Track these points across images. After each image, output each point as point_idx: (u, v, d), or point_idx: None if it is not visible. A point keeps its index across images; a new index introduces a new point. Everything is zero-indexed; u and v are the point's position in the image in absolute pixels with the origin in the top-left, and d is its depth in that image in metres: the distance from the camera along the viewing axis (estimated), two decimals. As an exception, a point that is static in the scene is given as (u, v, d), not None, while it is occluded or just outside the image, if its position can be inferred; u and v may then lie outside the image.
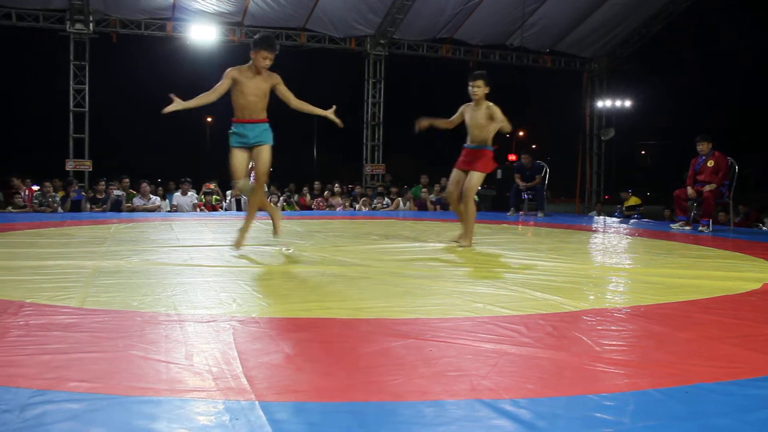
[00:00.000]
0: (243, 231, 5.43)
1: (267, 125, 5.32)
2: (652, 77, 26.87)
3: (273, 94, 5.31)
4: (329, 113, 5.60)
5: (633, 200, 15.09)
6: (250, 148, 5.26)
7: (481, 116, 5.96)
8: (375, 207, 13.78)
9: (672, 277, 4.25)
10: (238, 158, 5.28)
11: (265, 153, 5.28)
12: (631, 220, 11.17)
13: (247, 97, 5.17)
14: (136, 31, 14.66)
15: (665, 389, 1.95)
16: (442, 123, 6.24)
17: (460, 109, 6.17)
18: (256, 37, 5.29)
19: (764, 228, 11.57)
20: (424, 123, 6.19)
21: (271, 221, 5.68)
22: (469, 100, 6.08)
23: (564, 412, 1.77)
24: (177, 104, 4.97)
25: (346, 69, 20.88)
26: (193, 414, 1.72)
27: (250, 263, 4.62)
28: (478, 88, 5.95)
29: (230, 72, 5.16)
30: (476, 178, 5.97)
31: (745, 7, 25.49)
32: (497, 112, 5.83)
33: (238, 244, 5.35)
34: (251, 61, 5.16)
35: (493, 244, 6.27)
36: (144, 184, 12.34)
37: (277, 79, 5.29)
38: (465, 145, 6.14)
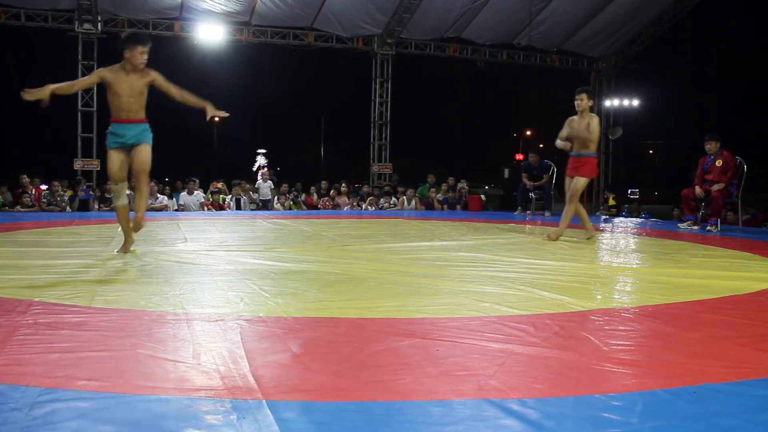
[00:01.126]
0: (127, 234, 5.25)
1: (147, 125, 5.14)
2: (660, 76, 26.79)
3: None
4: (209, 107, 5.27)
5: (611, 201, 15.82)
6: (128, 149, 5.06)
7: (584, 127, 6.56)
8: (382, 207, 13.78)
9: (680, 277, 4.24)
10: (115, 160, 5.05)
11: (144, 150, 5.07)
12: (615, 219, 11.27)
13: (122, 98, 4.99)
14: (144, 31, 14.68)
15: (673, 389, 1.95)
16: (564, 143, 6.73)
17: (566, 122, 6.76)
18: (124, 35, 5.20)
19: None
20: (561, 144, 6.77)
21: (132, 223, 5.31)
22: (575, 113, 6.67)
23: (571, 412, 1.77)
24: (36, 93, 4.70)
25: (354, 68, 20.91)
26: (201, 413, 1.72)
27: (258, 263, 4.63)
28: (581, 101, 6.56)
29: (100, 71, 5.01)
30: (580, 183, 6.65)
31: (752, 6, 25.39)
32: (594, 125, 6.51)
33: (125, 249, 5.16)
34: (124, 61, 5.00)
35: (500, 243, 6.26)
36: (151, 184, 12.37)
37: (153, 74, 5.09)
38: (571, 153, 6.75)
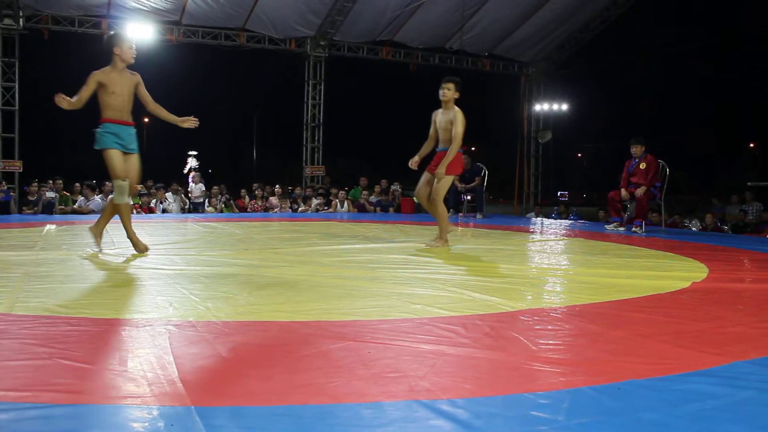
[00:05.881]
0: (99, 233, 5.38)
1: (135, 130, 5.23)
2: (588, 81, 27.52)
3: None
4: (179, 121, 5.40)
5: None
6: (124, 153, 5.13)
7: (448, 120, 6.09)
8: (315, 209, 13.71)
9: (606, 277, 4.34)
10: (119, 158, 5.10)
11: (137, 164, 5.23)
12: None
13: (123, 97, 5.06)
14: (69, 28, 14.27)
15: (599, 386, 1.99)
16: (426, 149, 6.37)
17: (432, 117, 6.34)
18: (112, 33, 5.25)
19: (693, 229, 11.96)
20: (415, 161, 6.33)
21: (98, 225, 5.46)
22: (439, 106, 6.23)
23: (501, 411, 1.79)
24: (69, 102, 4.92)
25: (287, 69, 20.79)
26: (127, 421, 1.68)
27: (187, 266, 4.54)
28: (448, 91, 6.09)
29: (96, 75, 5.01)
30: (443, 183, 6.09)
31: (676, 13, 26.36)
32: (458, 123, 5.99)
33: (98, 245, 5.32)
34: (112, 62, 5.07)
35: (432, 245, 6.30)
36: (86, 186, 12.12)
37: (138, 78, 5.19)
38: (436, 148, 6.30)
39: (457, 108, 6.08)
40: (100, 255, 5.10)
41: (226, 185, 14.75)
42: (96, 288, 3.61)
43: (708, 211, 13.51)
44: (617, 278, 4.29)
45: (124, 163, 5.13)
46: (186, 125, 5.42)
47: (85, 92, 4.98)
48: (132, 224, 5.31)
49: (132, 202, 12.17)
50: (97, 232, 5.35)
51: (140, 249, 5.24)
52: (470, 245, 6.40)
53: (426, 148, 6.38)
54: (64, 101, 4.87)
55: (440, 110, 6.26)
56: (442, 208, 6.18)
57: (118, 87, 5.03)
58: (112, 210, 5.30)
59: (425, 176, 6.32)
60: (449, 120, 6.08)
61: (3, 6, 13.42)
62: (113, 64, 5.08)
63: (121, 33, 5.29)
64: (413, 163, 6.32)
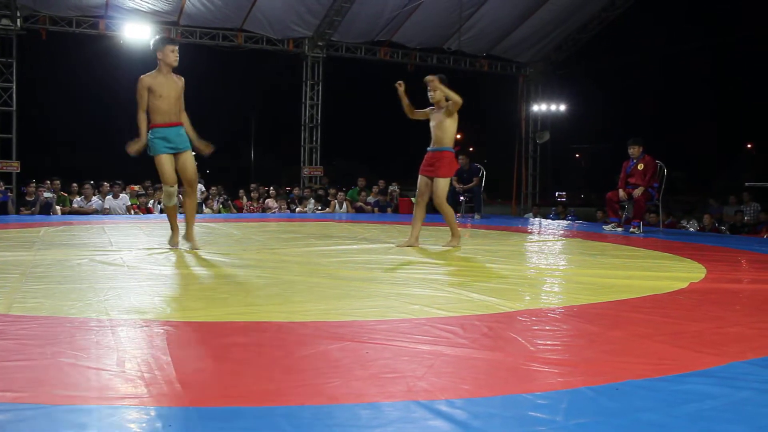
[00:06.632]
0: (176, 228, 5.60)
1: (183, 129, 5.35)
2: (586, 82, 27.55)
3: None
4: (196, 139, 5.52)
5: None
6: (175, 153, 5.28)
7: (441, 117, 6.06)
8: (312, 210, 13.69)
9: (604, 278, 4.35)
10: (169, 164, 5.26)
11: (191, 160, 5.37)
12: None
13: (170, 100, 5.17)
14: (67, 29, 14.22)
15: (597, 387, 1.99)
16: (406, 102, 6.23)
17: (427, 109, 6.26)
18: (156, 38, 5.35)
19: (691, 229, 11.97)
20: (402, 89, 6.20)
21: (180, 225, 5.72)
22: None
23: (499, 412, 1.79)
24: (138, 143, 5.18)
25: (285, 70, 20.78)
26: (125, 422, 1.68)
27: (186, 267, 4.54)
28: (433, 92, 6.06)
29: (144, 81, 5.14)
30: (441, 186, 6.13)
31: (674, 14, 26.39)
32: (451, 102, 5.94)
33: (194, 246, 5.49)
34: (158, 66, 5.20)
35: (430, 246, 6.30)
36: (87, 186, 12.07)
37: (183, 82, 5.33)
38: (428, 148, 6.26)
39: (448, 102, 6.01)
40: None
41: (224, 186, 14.73)
42: (93, 288, 3.60)
43: (705, 211, 13.52)
44: (615, 279, 4.30)
45: (177, 162, 5.29)
46: (201, 147, 5.56)
47: (143, 101, 5.13)
48: (194, 222, 5.64)
49: (130, 203, 12.22)
50: (189, 236, 5.57)
51: (194, 245, 5.50)
52: (468, 245, 6.39)
53: (406, 104, 6.24)
54: (134, 145, 5.18)
55: (433, 108, 6.21)
56: (447, 208, 6.23)
57: (165, 90, 5.15)
58: (169, 211, 5.59)
59: (420, 180, 6.30)
60: (439, 121, 6.07)
61: (0, 6, 13.39)
62: (158, 68, 5.19)
63: (164, 37, 5.44)
64: (399, 84, 6.19)
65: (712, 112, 37.15)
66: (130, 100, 5.29)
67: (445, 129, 6.08)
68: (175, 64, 5.21)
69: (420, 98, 6.23)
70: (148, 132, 5.21)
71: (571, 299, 3.59)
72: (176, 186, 5.37)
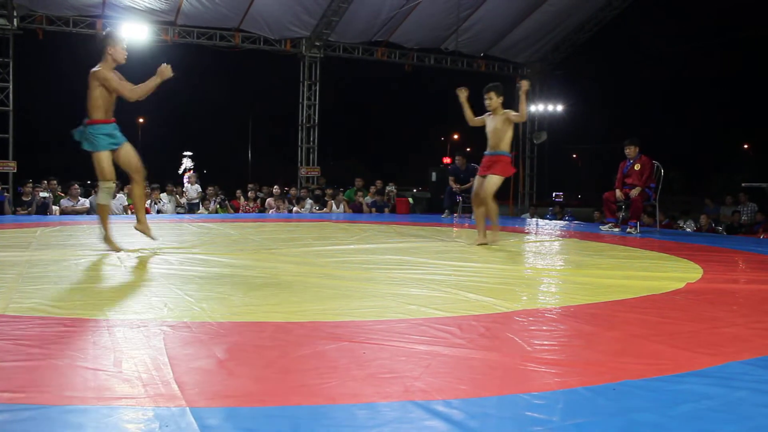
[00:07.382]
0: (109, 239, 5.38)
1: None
2: (583, 82, 27.58)
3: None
4: (157, 78, 5.22)
5: None
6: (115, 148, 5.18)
7: (498, 123, 6.39)
8: (309, 210, 13.68)
9: (601, 278, 4.35)
10: (109, 160, 5.16)
11: (133, 149, 5.27)
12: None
13: (114, 95, 5.11)
14: (64, 29, 14.22)
15: (594, 387, 2.00)
16: (468, 110, 6.69)
17: (484, 116, 6.64)
18: (106, 32, 5.29)
19: (688, 230, 11.99)
20: (463, 95, 6.64)
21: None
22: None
23: (496, 412, 1.79)
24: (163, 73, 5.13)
25: (283, 70, 20.77)
26: (122, 422, 1.67)
27: (182, 267, 4.53)
28: (490, 100, 6.47)
29: (107, 72, 5.07)
30: (493, 181, 6.38)
31: (671, 15, 26.43)
32: (511, 112, 6.38)
33: (115, 249, 5.30)
34: (107, 60, 5.10)
35: (428, 246, 6.31)
36: (75, 186, 12.00)
37: (119, 74, 5.24)
38: (485, 152, 6.58)
39: (507, 110, 6.43)
40: (125, 254, 5.14)
41: (221, 186, 14.71)
42: (90, 289, 3.59)
43: (702, 212, 13.54)
44: (612, 279, 4.30)
45: (119, 155, 5.18)
46: (165, 72, 5.23)
47: (114, 83, 5.03)
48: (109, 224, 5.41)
49: (127, 203, 12.18)
50: (107, 239, 5.37)
51: (149, 234, 5.50)
52: (465, 246, 6.39)
53: (468, 110, 6.73)
54: (158, 78, 5.11)
55: (490, 115, 6.54)
56: (492, 204, 6.49)
57: (112, 85, 5.05)
58: (103, 211, 5.34)
59: (478, 180, 6.59)
60: (496, 127, 6.40)
61: (-3, 6, 13.40)
62: (105, 63, 5.09)
63: (115, 33, 5.32)
64: (461, 90, 6.66)
65: (710, 113, 37.24)
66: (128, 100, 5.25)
67: (502, 135, 6.40)
68: (124, 62, 5.14)
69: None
70: (88, 126, 5.07)
71: (568, 299, 3.59)
72: (114, 182, 5.25)
